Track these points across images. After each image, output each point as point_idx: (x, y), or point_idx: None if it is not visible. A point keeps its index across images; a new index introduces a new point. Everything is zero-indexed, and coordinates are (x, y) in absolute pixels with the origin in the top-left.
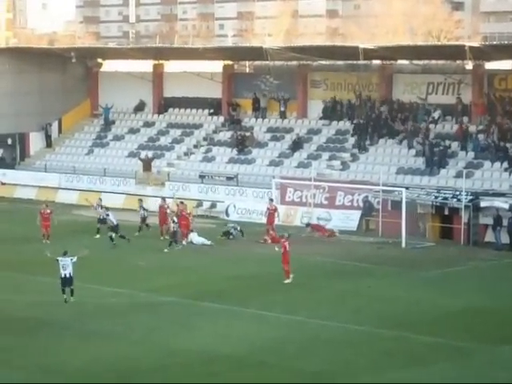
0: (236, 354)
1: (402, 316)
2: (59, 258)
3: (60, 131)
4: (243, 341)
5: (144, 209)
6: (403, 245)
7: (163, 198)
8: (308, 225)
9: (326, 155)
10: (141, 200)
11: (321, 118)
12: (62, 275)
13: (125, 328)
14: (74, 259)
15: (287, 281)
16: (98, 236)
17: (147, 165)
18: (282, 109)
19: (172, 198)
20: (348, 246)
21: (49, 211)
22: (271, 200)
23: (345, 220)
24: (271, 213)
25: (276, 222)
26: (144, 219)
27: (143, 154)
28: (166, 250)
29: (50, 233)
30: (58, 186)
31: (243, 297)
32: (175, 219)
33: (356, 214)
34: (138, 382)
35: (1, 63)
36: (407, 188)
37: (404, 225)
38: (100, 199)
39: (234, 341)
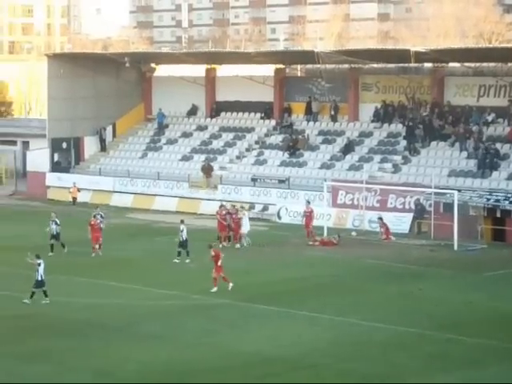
0: (289, 355)
1: (454, 318)
2: (39, 262)
3: (114, 135)
4: (296, 343)
5: (57, 223)
6: (455, 247)
7: (222, 205)
8: (380, 218)
9: (377, 158)
10: (54, 213)
11: (372, 121)
12: (40, 278)
13: (178, 330)
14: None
15: (214, 290)
16: (51, 254)
17: (208, 171)
18: (333, 112)
19: None
20: (400, 249)
21: (99, 221)
22: (308, 202)
23: (396, 223)
24: (308, 215)
25: (313, 223)
26: (56, 236)
27: (201, 158)
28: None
29: (102, 243)
30: (112, 189)
31: (296, 299)
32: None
33: (408, 217)
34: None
35: (56, 68)
36: (459, 190)
37: (456, 227)
38: (54, 213)
39: (287, 343)
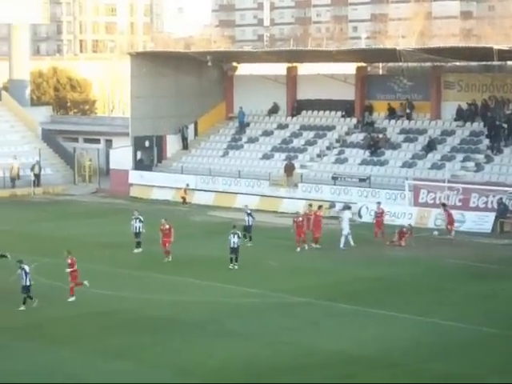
0: (369, 355)
1: None
2: (25, 266)
3: (196, 134)
4: (376, 342)
5: (140, 221)
6: None
7: (310, 204)
8: (444, 205)
9: (459, 156)
10: (137, 211)
11: (455, 120)
12: (28, 283)
13: (259, 328)
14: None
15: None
16: (136, 251)
17: (290, 170)
18: (408, 110)
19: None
20: (482, 248)
21: (168, 226)
22: (378, 203)
23: (479, 222)
24: (379, 216)
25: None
26: (138, 234)
27: (282, 157)
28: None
29: (170, 249)
30: (193, 187)
31: (376, 298)
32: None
33: (490, 216)
34: (275, 382)
35: (138, 67)
36: None
37: None
38: (137, 211)
39: (367, 342)
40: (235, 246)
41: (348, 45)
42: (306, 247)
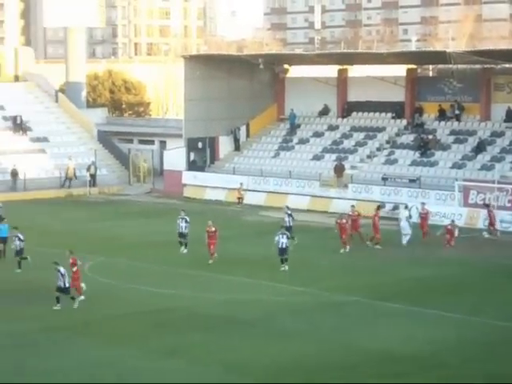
0: (419, 354)
1: None
2: (60, 268)
3: (248, 135)
4: (426, 341)
5: (186, 221)
6: None
7: (353, 206)
8: (487, 205)
9: (509, 158)
10: (183, 211)
11: (504, 121)
12: (68, 285)
13: (309, 326)
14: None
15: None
16: (184, 251)
17: (340, 171)
18: (458, 112)
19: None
20: None
21: (214, 229)
22: (423, 204)
23: None
24: (423, 217)
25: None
26: (183, 235)
27: (332, 157)
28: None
29: (214, 251)
30: (245, 187)
31: (425, 298)
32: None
33: None
34: (325, 382)
35: (192, 70)
36: None
37: None
38: (183, 211)
39: (417, 342)
40: (284, 246)
41: (398, 47)
42: (348, 249)
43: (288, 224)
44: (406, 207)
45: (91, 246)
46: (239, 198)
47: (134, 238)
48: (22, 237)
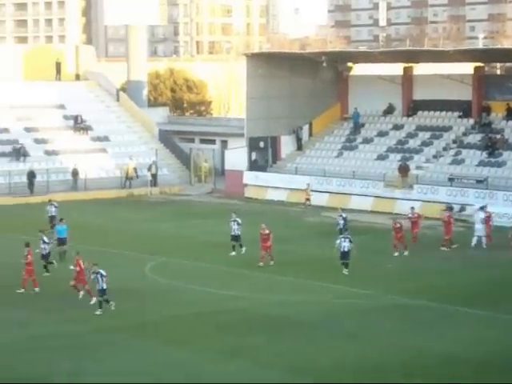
0: (486, 359)
1: None
2: (101, 270)
3: (310, 134)
4: (489, 345)
5: (238, 223)
6: None
7: (412, 207)
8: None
9: None
10: (235, 213)
11: None
12: (105, 286)
13: (372, 329)
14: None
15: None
16: (233, 254)
17: (404, 171)
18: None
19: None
20: None
21: (267, 232)
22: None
23: None
24: (486, 220)
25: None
26: (236, 237)
27: (397, 157)
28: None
29: (267, 255)
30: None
31: (493, 302)
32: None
33: None
34: (383, 383)
35: (254, 68)
36: None
37: None
38: (235, 213)
39: (483, 346)
40: (346, 249)
41: (465, 45)
42: (406, 252)
43: (342, 227)
44: (482, 208)
45: (152, 247)
46: (307, 199)
47: (195, 238)
48: (46, 240)
